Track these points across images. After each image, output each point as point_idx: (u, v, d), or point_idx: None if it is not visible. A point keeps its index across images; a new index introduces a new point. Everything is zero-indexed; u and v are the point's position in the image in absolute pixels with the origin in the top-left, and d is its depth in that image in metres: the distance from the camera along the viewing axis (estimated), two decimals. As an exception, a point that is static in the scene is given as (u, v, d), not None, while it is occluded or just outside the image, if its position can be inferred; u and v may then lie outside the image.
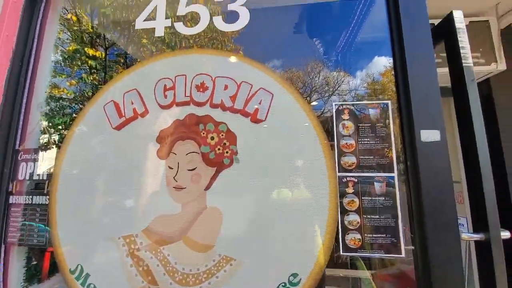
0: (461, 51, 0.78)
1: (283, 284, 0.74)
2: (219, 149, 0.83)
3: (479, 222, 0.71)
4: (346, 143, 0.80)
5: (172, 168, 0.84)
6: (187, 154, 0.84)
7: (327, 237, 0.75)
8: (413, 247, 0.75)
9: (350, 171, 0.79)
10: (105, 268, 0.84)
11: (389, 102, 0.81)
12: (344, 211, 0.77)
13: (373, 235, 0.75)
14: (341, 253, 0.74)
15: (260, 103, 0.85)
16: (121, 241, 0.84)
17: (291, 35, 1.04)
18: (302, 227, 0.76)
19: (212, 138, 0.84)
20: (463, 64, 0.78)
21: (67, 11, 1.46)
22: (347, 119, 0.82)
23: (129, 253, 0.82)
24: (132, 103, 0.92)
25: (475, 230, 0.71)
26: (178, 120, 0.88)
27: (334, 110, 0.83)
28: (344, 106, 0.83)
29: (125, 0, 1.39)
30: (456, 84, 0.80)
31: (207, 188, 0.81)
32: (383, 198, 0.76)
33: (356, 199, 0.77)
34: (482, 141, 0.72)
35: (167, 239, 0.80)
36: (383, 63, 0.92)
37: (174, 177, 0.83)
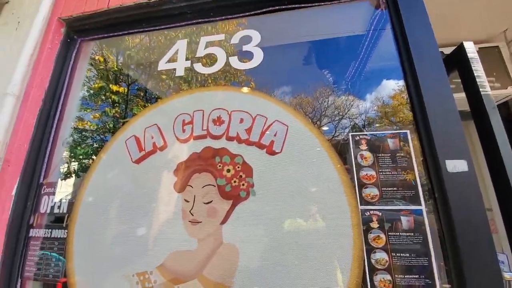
0: (478, 80, 0.78)
1: (307, 333, 0.67)
2: (235, 181, 0.82)
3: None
4: (367, 174, 0.78)
5: (188, 201, 0.83)
6: (203, 187, 0.84)
7: (354, 277, 0.69)
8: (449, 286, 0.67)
9: (373, 203, 0.75)
10: (118, 309, 0.80)
11: (408, 131, 0.80)
12: (370, 249, 0.71)
13: (405, 276, 0.68)
14: (370, 297, 0.67)
15: (275, 135, 0.85)
16: (135, 279, 0.81)
17: (303, 68, 1.08)
18: (326, 265, 0.71)
19: (228, 171, 0.84)
20: (482, 93, 0.77)
21: (95, 53, 1.62)
22: (365, 149, 0.80)
23: (142, 293, 0.78)
24: (152, 138, 0.96)
25: (523, 272, 0.63)
26: (195, 153, 0.89)
27: (350, 141, 0.82)
28: (361, 137, 0.82)
29: (148, 42, 1.53)
30: (476, 112, 0.78)
31: (223, 222, 0.79)
32: (412, 234, 0.71)
33: (382, 235, 0.72)
34: (514, 170, 0.68)
35: (182, 278, 0.76)
36: (392, 87, 0.93)
37: (190, 211, 0.82)
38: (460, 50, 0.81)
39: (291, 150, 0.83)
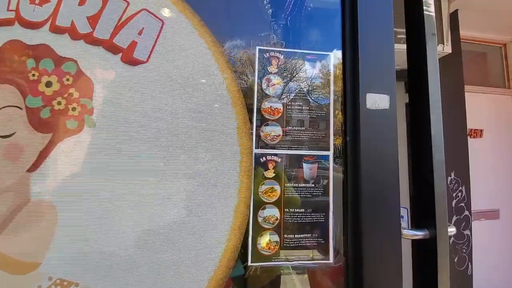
0: (424, -6, 0.59)
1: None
2: (59, 103, 0.49)
3: (424, 216, 0.56)
4: (271, 108, 0.56)
5: (-36, 133, 0.46)
6: (-5, 109, 0.47)
7: (230, 243, 0.51)
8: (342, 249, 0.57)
9: (273, 146, 0.54)
10: None
11: (331, 53, 0.59)
12: (259, 204, 0.53)
13: (295, 235, 0.54)
14: (249, 263, 0.51)
15: (140, 34, 0.52)
16: None
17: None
18: (193, 231, 0.50)
19: (49, 84, 0.49)
20: (425, 12, 0.59)
21: None
22: (274, 73, 0.57)
23: None
24: None
25: (418, 226, 0.56)
26: (-14, 48, 0.49)
27: (256, 58, 0.56)
28: (272, 54, 0.57)
29: None
30: (412, 38, 0.61)
31: (33, 169, 0.47)
32: (313, 185, 0.55)
33: (277, 187, 0.54)
34: (437, 112, 0.56)
35: None
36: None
37: (-34, 149, 0.46)
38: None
39: (164, 61, 0.52)
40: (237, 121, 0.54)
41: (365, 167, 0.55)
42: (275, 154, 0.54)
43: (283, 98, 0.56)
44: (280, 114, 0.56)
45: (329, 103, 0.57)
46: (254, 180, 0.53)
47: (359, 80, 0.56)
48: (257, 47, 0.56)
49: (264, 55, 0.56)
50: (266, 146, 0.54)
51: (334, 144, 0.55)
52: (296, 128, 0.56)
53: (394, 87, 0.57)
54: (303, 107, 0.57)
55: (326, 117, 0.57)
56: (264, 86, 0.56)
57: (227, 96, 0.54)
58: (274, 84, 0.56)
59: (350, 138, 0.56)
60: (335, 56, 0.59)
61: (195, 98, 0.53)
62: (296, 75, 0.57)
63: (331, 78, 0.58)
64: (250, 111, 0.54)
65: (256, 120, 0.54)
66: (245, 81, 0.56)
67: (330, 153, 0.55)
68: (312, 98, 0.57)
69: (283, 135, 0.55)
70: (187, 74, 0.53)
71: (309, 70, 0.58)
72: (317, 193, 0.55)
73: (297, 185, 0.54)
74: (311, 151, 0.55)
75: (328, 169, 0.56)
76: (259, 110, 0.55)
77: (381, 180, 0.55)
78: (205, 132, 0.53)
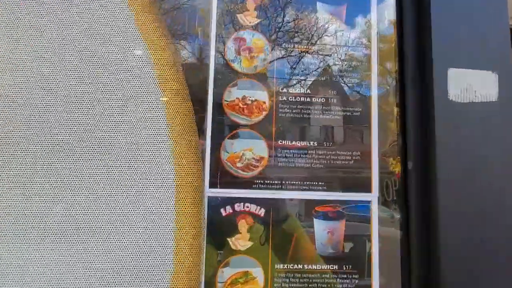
0: None
1: None
2: None
3: None
4: (244, 100, 0.27)
5: None
6: None
7: None
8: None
9: (248, 183, 0.26)
10: None
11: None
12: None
13: None
14: None
15: None
16: None
17: None
18: None
19: None
20: None
21: None
22: (252, 27, 0.28)
23: None
24: None
25: None
26: None
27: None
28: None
29: None
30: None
31: None
32: (336, 266, 0.26)
33: (257, 270, 0.25)
34: None
35: None
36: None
37: None
38: None
39: (34, 7, 0.25)
40: (170, 126, 0.25)
41: (447, 221, 0.25)
42: (253, 200, 0.26)
43: (270, 80, 0.28)
44: (265, 112, 0.27)
45: (369, 95, 0.28)
46: (207, 256, 0.25)
47: (431, 42, 0.27)
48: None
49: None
50: (235, 181, 0.26)
51: (382, 177, 0.26)
52: (299, 144, 0.27)
53: (508, 57, 0.28)
54: (313, 100, 0.28)
55: (364, 121, 0.28)
56: (230, 54, 0.27)
57: (152, 76, 0.26)
58: (252, 51, 0.28)
59: (414, 164, 0.27)
60: (382, 4, 0.30)
61: (88, 81, 0.25)
62: (296, 35, 0.29)
63: (374, 43, 0.29)
64: (200, 106, 0.26)
65: (214, 125, 0.26)
66: (193, 48, 0.28)
67: (374, 195, 0.26)
68: (341, 82, 0.29)
69: (270, 157, 0.26)
70: (71, 31, 0.25)
71: (323, 25, 0.29)
72: (345, 279, 0.26)
73: (300, 266, 0.26)
74: (331, 193, 0.26)
75: (368, 221, 0.27)
76: (218, 105, 0.26)
77: (484, 251, 0.26)
78: (104, 149, 0.25)
